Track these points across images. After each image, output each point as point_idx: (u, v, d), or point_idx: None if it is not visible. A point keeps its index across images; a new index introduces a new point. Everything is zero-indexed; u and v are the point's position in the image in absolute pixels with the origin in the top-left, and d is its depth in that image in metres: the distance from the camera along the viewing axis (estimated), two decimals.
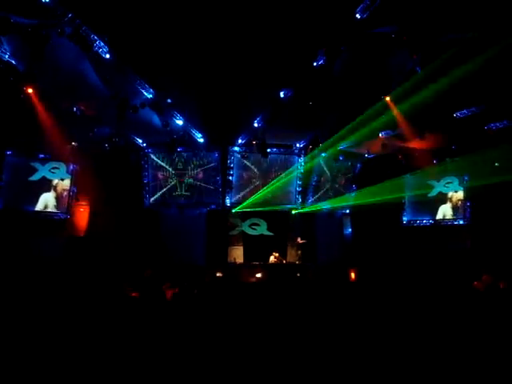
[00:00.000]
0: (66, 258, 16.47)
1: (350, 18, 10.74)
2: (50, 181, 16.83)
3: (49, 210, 16.77)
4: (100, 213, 16.94)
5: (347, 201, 20.17)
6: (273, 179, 18.75)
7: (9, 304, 7.05)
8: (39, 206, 16.60)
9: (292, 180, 19.00)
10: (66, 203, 16.93)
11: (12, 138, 15.61)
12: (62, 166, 16.86)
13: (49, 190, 16.83)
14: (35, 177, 16.61)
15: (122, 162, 17.24)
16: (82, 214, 17.48)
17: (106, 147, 15.92)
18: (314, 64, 12.75)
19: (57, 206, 16.84)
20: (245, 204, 18.60)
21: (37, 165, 16.59)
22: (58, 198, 16.88)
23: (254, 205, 18.55)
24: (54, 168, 16.80)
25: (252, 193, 18.64)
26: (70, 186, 17.01)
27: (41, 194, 16.71)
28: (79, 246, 16.82)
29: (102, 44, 11.51)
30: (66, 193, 16.94)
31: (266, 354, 4.97)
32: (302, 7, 11.28)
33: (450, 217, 19.21)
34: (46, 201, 16.71)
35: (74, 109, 14.40)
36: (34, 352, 4.86)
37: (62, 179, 16.94)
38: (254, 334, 5.55)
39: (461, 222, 18.90)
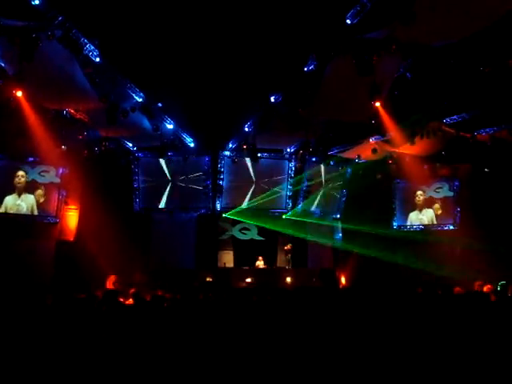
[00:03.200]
0: (55, 261, 16.42)
1: (340, 24, 10.76)
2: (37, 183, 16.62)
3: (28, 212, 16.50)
4: (89, 217, 16.83)
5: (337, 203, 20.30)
6: (263, 184, 18.75)
7: None
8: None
9: (282, 184, 19.00)
10: (55, 207, 16.79)
11: (1, 141, 15.51)
12: (52, 170, 16.72)
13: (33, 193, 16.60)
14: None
15: (112, 165, 17.16)
16: (72, 218, 17.37)
17: (95, 151, 15.85)
18: (305, 69, 12.77)
19: (43, 210, 16.63)
20: (235, 210, 18.58)
21: (26, 168, 16.44)
22: (44, 202, 16.68)
23: (243, 210, 18.55)
24: (43, 171, 16.66)
25: (242, 197, 18.62)
26: (60, 190, 16.88)
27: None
28: (68, 250, 16.73)
29: (93, 47, 11.47)
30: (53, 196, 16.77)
31: (254, 360, 4.95)
32: (292, 12, 11.33)
33: (440, 222, 19.29)
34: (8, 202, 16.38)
35: (64, 112, 14.37)
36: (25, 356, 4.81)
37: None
38: (243, 339, 5.51)
39: (450, 227, 18.98)
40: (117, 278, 15.46)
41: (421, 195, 19.47)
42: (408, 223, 19.80)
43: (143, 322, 5.85)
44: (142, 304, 7.52)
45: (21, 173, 16.35)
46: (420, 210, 19.54)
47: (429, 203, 19.49)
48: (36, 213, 16.57)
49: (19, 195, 16.35)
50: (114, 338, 5.28)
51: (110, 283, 15.41)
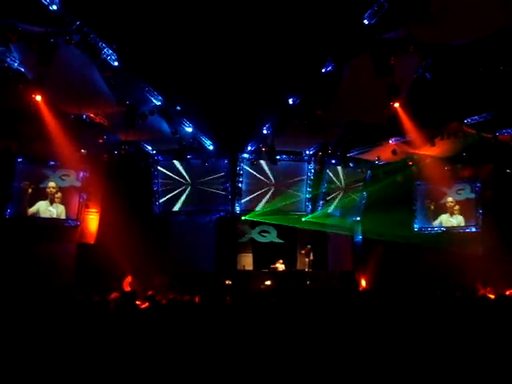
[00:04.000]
0: (76, 264, 16.59)
1: (357, 24, 10.69)
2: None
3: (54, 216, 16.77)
4: (110, 220, 16.95)
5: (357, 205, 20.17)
6: (282, 186, 18.71)
7: (16, 309, 7.05)
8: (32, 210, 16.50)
9: (302, 187, 18.93)
10: (75, 210, 16.96)
11: (23, 145, 15.71)
12: (72, 174, 16.89)
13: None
14: (46, 183, 16.63)
15: (131, 169, 17.27)
16: (92, 221, 17.52)
17: (115, 154, 15.96)
18: (323, 70, 12.71)
19: (66, 214, 16.83)
20: (254, 212, 18.56)
21: (48, 172, 16.63)
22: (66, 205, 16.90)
23: (263, 212, 18.52)
24: (64, 175, 16.84)
25: (261, 200, 18.59)
26: (81, 193, 17.05)
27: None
28: (89, 252, 16.90)
29: (111, 51, 11.55)
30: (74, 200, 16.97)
31: (273, 363, 4.92)
32: (310, 13, 11.29)
33: (463, 224, 19.06)
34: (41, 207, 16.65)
35: (84, 116, 14.49)
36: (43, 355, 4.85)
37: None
38: (262, 342, 5.48)
39: (473, 230, 18.74)
40: (133, 278, 15.57)
41: (451, 202, 19.24)
42: (433, 225, 19.56)
43: (157, 326, 5.85)
44: (157, 307, 7.52)
45: (52, 184, 16.66)
46: (451, 215, 19.29)
47: (459, 208, 19.25)
48: (63, 217, 16.82)
49: (51, 203, 16.70)
50: (128, 341, 5.28)
51: (126, 284, 15.53)
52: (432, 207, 19.60)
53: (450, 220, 19.32)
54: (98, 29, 10.81)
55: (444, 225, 19.39)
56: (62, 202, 16.84)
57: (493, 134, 15.59)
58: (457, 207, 19.20)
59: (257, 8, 11.35)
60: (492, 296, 9.61)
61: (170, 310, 6.96)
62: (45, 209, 16.56)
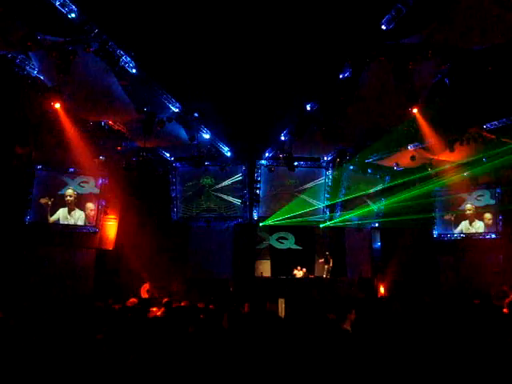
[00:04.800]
0: (95, 270, 16.72)
1: (375, 29, 10.63)
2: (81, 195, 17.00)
3: (75, 223, 16.92)
4: (128, 226, 17.06)
5: (375, 213, 20.03)
6: (300, 192, 18.68)
7: (36, 314, 7.11)
8: (54, 218, 16.69)
9: (320, 193, 18.89)
10: (95, 217, 17.09)
11: (42, 152, 15.86)
12: (91, 180, 17.03)
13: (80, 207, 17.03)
14: (64, 190, 16.79)
15: (149, 175, 17.36)
16: (111, 228, 17.63)
17: (134, 161, 16.05)
18: (340, 76, 12.66)
19: (85, 220, 16.97)
20: (272, 218, 18.53)
21: (66, 179, 16.78)
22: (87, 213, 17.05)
23: (281, 219, 18.48)
24: (83, 182, 17.00)
25: (279, 206, 18.56)
26: (99, 200, 17.18)
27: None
28: (108, 258, 17.03)
29: (129, 59, 11.61)
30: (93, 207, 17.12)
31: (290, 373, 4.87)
32: (327, 20, 11.26)
33: (482, 230, 18.86)
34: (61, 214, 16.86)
35: (102, 123, 14.60)
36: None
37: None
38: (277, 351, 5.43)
39: (493, 236, 18.52)
40: (150, 285, 15.63)
41: (470, 208, 19.05)
42: (452, 232, 19.38)
43: (172, 334, 5.84)
44: (172, 314, 7.51)
45: (69, 191, 16.86)
46: (470, 222, 19.10)
47: (479, 215, 19.05)
48: (81, 223, 16.99)
49: (70, 211, 16.89)
50: (140, 348, 5.27)
51: (143, 291, 15.59)
52: (451, 214, 19.44)
53: (469, 228, 19.12)
54: (116, 36, 10.88)
55: (464, 231, 19.20)
56: (81, 208, 16.99)
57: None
58: (476, 214, 19.01)
59: (276, 15, 11.35)
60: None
61: (183, 317, 6.93)
62: (64, 216, 16.74)
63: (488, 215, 18.80)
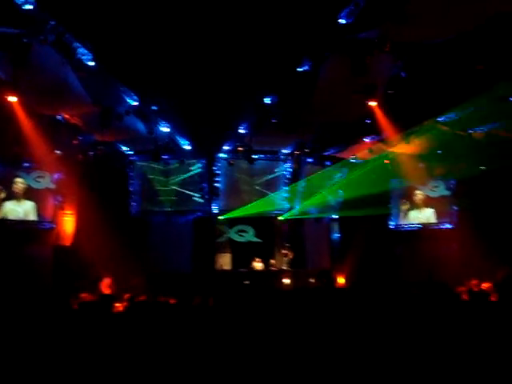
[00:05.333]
0: (53, 266, 16.38)
1: (333, 24, 10.71)
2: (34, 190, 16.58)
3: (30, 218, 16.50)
4: (86, 221, 16.79)
5: (333, 205, 20.28)
6: (260, 185, 18.75)
7: None
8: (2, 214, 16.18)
9: (279, 186, 19.00)
10: (51, 212, 16.74)
11: None
12: (47, 175, 16.67)
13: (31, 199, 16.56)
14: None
15: (107, 170, 17.15)
16: (68, 223, 17.32)
17: (91, 155, 15.80)
18: (299, 70, 12.73)
19: (40, 215, 16.60)
20: (232, 212, 18.54)
21: (21, 174, 16.37)
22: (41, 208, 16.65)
23: (240, 212, 18.51)
24: (38, 177, 16.61)
25: (239, 199, 18.59)
26: (56, 195, 16.83)
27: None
28: (65, 254, 16.70)
29: (86, 51, 11.40)
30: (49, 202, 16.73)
31: (252, 361, 4.91)
32: (285, 13, 11.28)
33: (433, 219, 19.27)
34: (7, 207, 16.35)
35: (58, 117, 14.31)
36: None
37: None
38: (241, 341, 5.47)
39: (448, 226, 18.96)
40: (112, 280, 15.45)
41: (419, 194, 19.43)
42: (406, 222, 19.76)
43: (138, 329, 5.81)
44: (137, 309, 7.47)
45: (19, 180, 16.32)
46: (419, 209, 19.49)
47: (428, 202, 19.45)
48: (33, 218, 16.51)
49: (18, 201, 16.32)
50: (107, 346, 5.24)
51: (105, 286, 15.40)
52: (405, 205, 19.81)
53: (419, 216, 19.51)
54: (73, 28, 10.67)
55: (414, 221, 19.59)
56: (31, 199, 16.51)
57: (466, 132, 15.79)
58: (425, 201, 19.42)
59: (233, 7, 11.31)
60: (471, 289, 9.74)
61: (144, 312, 6.91)
62: (11, 209, 16.23)
63: (441, 206, 19.22)
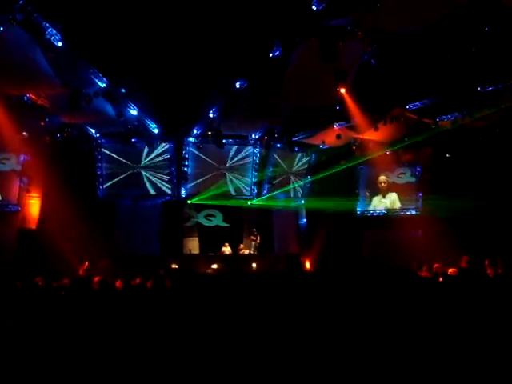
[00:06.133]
0: (17, 250, 16.15)
1: (306, 10, 10.75)
2: None
3: None
4: (52, 204, 16.57)
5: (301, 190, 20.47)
6: (228, 170, 18.78)
7: None
8: None
9: (247, 171, 19.05)
10: (16, 195, 16.49)
11: None
12: (13, 157, 16.40)
13: None
14: None
15: (74, 152, 16.90)
16: (34, 206, 17.08)
17: (58, 137, 15.55)
18: (270, 55, 12.75)
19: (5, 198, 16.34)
20: (200, 196, 18.53)
21: None
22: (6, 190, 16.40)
23: (209, 196, 18.52)
24: (4, 159, 16.34)
25: (207, 184, 18.58)
26: (21, 178, 16.58)
27: None
28: (31, 238, 16.48)
29: (55, 32, 11.21)
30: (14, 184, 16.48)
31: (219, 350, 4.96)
32: None
33: (398, 204, 19.63)
34: None
35: (25, 98, 14.04)
36: None
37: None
38: (209, 327, 5.52)
39: (413, 212, 19.32)
40: (89, 264, 15.41)
41: (383, 180, 19.73)
42: (371, 208, 20.07)
43: (112, 311, 5.82)
44: (110, 292, 7.46)
45: None
46: (383, 195, 19.80)
47: (392, 188, 19.76)
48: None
49: None
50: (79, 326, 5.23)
51: (82, 270, 15.37)
52: (370, 191, 20.11)
53: (383, 201, 19.83)
54: (42, 8, 10.48)
55: (377, 207, 19.91)
56: None
57: (433, 120, 16.06)
58: (389, 187, 19.76)
59: None
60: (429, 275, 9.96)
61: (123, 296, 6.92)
62: None
63: (407, 192, 19.55)
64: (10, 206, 16.47)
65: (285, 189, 19.83)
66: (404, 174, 19.60)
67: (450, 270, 9.15)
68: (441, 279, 8.45)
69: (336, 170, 18.77)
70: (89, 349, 4.79)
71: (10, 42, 10.90)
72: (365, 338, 5.00)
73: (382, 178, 19.78)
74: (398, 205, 19.66)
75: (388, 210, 19.83)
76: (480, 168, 16.55)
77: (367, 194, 20.18)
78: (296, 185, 20.23)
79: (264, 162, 19.05)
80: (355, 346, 4.88)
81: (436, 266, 10.51)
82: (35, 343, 4.88)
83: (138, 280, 9.70)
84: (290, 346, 4.93)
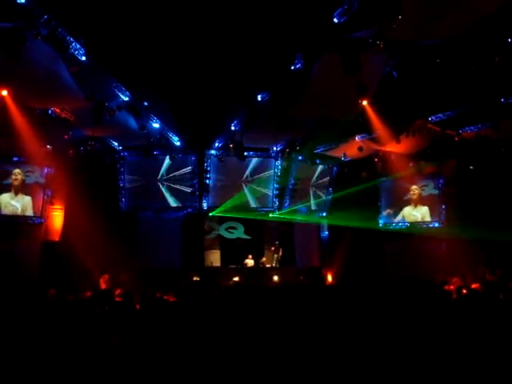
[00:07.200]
0: (41, 262, 16.26)
1: (327, 23, 10.74)
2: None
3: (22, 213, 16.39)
4: (75, 217, 16.69)
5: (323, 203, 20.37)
6: (250, 182, 18.79)
7: None
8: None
9: (269, 183, 19.04)
10: (40, 207, 16.64)
11: None
12: (37, 170, 16.58)
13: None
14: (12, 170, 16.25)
15: (97, 165, 17.07)
16: (57, 218, 17.23)
17: (81, 150, 15.73)
18: (292, 68, 12.75)
19: (31, 210, 16.50)
20: (221, 208, 18.55)
21: (12, 168, 16.25)
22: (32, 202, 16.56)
23: (230, 208, 18.53)
24: (28, 171, 16.51)
25: (228, 196, 18.60)
26: (45, 190, 16.74)
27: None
28: (54, 250, 16.59)
29: (78, 46, 11.34)
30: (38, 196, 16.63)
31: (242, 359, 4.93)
32: (279, 11, 11.32)
33: (428, 217, 19.39)
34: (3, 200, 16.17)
35: (49, 111, 14.22)
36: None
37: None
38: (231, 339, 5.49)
39: (436, 225, 19.10)
40: (109, 276, 15.46)
41: (416, 189, 19.52)
42: (399, 218, 19.84)
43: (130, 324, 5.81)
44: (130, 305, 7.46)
45: (17, 170, 16.29)
46: (415, 206, 19.58)
47: (424, 200, 19.56)
48: (28, 214, 16.45)
49: (16, 194, 16.30)
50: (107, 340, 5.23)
51: (103, 282, 15.42)
52: (396, 203, 19.93)
53: (413, 214, 19.61)
54: (66, 23, 10.63)
55: (407, 219, 19.69)
56: (28, 194, 16.46)
57: (456, 132, 15.91)
58: (421, 199, 19.51)
59: (228, 5, 11.33)
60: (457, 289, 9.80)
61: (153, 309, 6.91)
62: (7, 202, 16.11)
63: (430, 204, 19.34)
64: (33, 219, 16.60)
65: (306, 203, 19.76)
66: (427, 186, 19.40)
67: (474, 286, 9.00)
68: (465, 291, 8.35)
69: (358, 182, 18.63)
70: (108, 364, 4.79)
71: (35, 56, 11.05)
72: (388, 353, 4.94)
73: (414, 187, 19.56)
74: (428, 218, 19.40)
75: (411, 223, 19.61)
76: (504, 179, 16.35)
77: (389, 207, 20.01)
78: (318, 198, 20.15)
79: (285, 175, 19.03)
80: (378, 361, 4.82)
81: (456, 280, 10.36)
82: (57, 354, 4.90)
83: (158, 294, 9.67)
84: (311, 360, 4.89)
